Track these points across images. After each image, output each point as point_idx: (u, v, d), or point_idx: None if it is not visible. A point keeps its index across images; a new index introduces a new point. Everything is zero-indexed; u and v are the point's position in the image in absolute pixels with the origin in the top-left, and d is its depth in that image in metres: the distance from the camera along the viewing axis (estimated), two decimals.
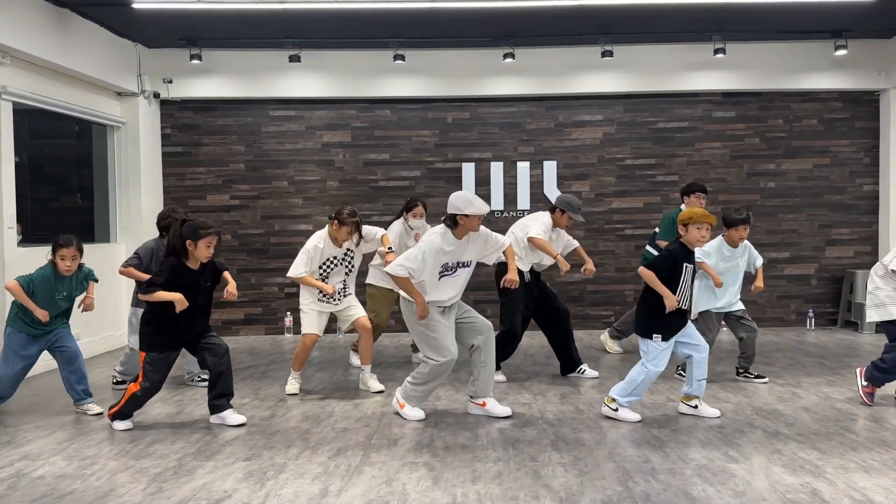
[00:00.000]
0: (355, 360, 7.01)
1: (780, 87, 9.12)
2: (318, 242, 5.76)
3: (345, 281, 5.90)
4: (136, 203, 8.69)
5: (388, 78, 9.05)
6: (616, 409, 4.97)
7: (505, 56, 8.73)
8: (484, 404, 5.13)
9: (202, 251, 4.75)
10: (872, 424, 4.79)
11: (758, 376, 6.14)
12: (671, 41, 8.92)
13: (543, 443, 4.47)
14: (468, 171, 9.21)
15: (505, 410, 5.11)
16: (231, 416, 4.97)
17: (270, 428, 4.88)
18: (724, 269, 5.93)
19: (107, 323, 7.91)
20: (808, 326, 9.05)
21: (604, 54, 8.67)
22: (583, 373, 6.41)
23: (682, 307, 4.83)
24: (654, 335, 4.82)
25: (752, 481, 3.77)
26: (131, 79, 8.60)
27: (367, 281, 6.81)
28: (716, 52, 8.68)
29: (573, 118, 9.32)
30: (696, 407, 5.06)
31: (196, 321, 4.90)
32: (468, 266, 5.07)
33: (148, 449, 4.46)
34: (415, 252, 4.89)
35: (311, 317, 5.85)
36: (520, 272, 5.90)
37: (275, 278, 9.22)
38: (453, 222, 4.89)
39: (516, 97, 9.24)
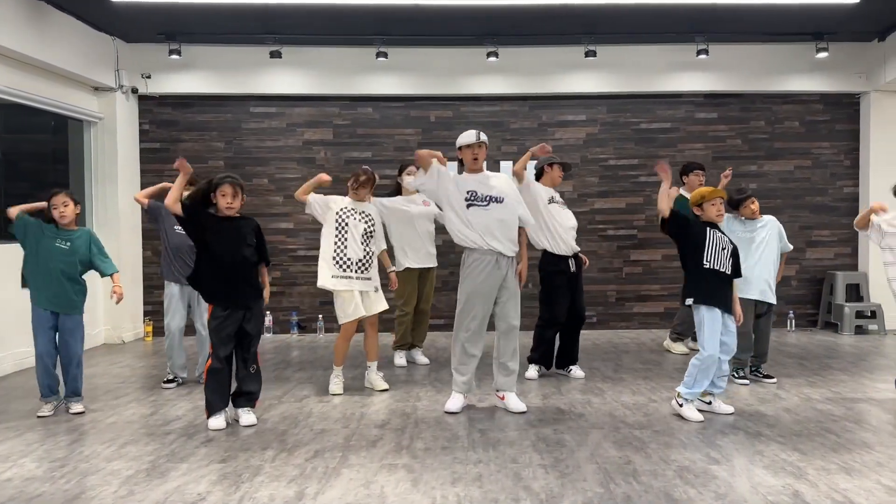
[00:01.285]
0: (422, 358, 7.01)
1: (761, 88, 9.14)
2: (338, 197, 5.78)
3: (365, 249, 5.63)
4: (113, 199, 8.55)
5: (371, 75, 8.97)
6: (681, 405, 4.99)
7: (489, 55, 8.69)
8: (503, 398, 5.21)
9: (220, 202, 4.78)
10: (853, 426, 4.78)
11: (766, 376, 6.14)
12: (654, 42, 8.92)
13: (524, 444, 4.41)
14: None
15: (518, 406, 5.11)
16: (244, 416, 4.89)
17: (247, 429, 4.79)
18: (739, 238, 5.93)
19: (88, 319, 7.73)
20: (788, 328, 9.08)
21: (587, 54, 8.65)
22: (570, 372, 6.37)
23: (716, 268, 4.89)
24: (686, 298, 4.95)
25: (734, 483, 3.74)
26: (109, 73, 8.46)
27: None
28: (698, 53, 8.70)
29: (556, 118, 9.29)
30: (709, 403, 5.07)
31: (247, 277, 4.83)
32: (500, 203, 5.02)
33: (120, 451, 4.35)
34: None
35: (340, 301, 5.62)
36: (563, 258, 6.11)
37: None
38: (460, 164, 5.31)
39: (500, 96, 9.19)
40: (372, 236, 5.71)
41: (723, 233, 5.08)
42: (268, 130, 9.20)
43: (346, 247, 5.61)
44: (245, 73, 8.93)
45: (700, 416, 4.91)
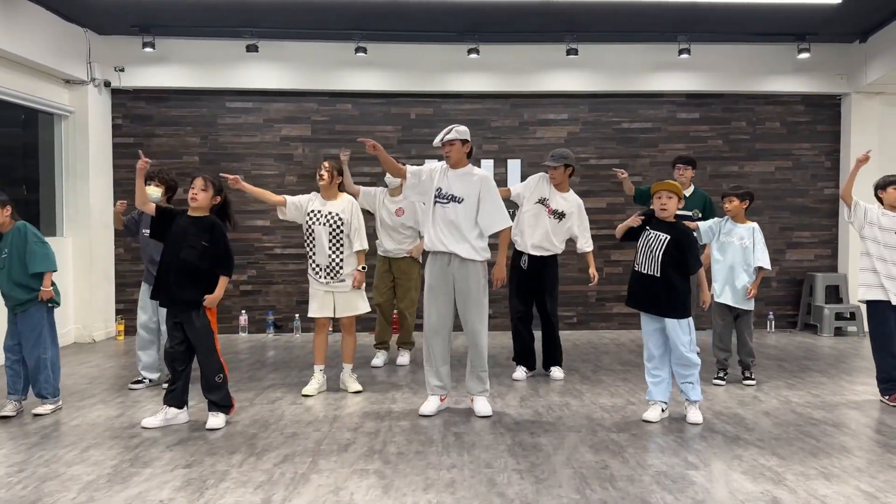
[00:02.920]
0: (402, 359, 6.90)
1: (743, 89, 9.11)
2: (311, 195, 5.68)
3: (332, 253, 5.48)
4: (85, 195, 8.35)
5: (350, 71, 8.84)
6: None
7: (469, 52, 8.58)
8: (472, 400, 5.15)
9: (192, 189, 4.73)
10: (832, 429, 4.73)
11: (747, 378, 6.08)
12: (636, 41, 8.86)
13: (500, 448, 4.32)
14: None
15: (482, 410, 5.03)
16: (209, 419, 4.77)
17: (215, 432, 4.65)
18: (723, 242, 5.99)
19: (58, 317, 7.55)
20: (768, 329, 9.06)
21: (569, 52, 8.57)
22: (550, 373, 6.32)
23: (644, 271, 4.86)
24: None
25: (712, 489, 3.66)
26: (81, 66, 8.26)
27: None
28: (680, 52, 8.65)
29: (538, 116, 9.21)
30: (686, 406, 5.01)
31: (181, 281, 4.63)
32: (459, 203, 4.97)
33: (82, 455, 4.20)
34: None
35: (312, 297, 5.60)
36: (517, 253, 6.20)
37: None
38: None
39: (481, 94, 9.09)
40: (340, 237, 5.53)
41: (667, 231, 4.83)
42: (244, 126, 9.03)
43: (314, 253, 5.56)
44: (221, 67, 8.76)
45: (652, 418, 4.86)
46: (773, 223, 9.18)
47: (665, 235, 4.81)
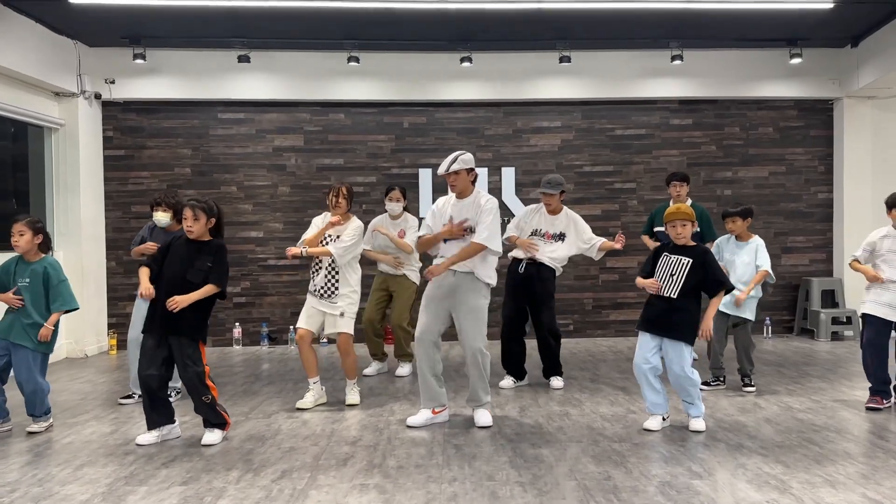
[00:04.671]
0: (402, 370, 6.84)
1: (736, 94, 9.12)
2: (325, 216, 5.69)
3: (328, 275, 5.46)
4: (75, 209, 8.26)
5: (343, 80, 8.80)
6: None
7: (462, 60, 8.56)
8: (473, 410, 5.14)
9: (185, 219, 4.68)
10: (835, 436, 4.69)
11: (746, 385, 6.05)
12: (629, 48, 8.86)
13: (501, 460, 4.25)
14: (425, 176, 8.99)
15: (481, 421, 5.00)
16: (205, 434, 4.69)
17: (211, 448, 4.57)
18: (729, 260, 5.98)
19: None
20: (764, 334, 9.04)
21: (562, 60, 8.56)
22: (549, 383, 6.27)
23: (660, 294, 4.80)
24: (638, 329, 4.93)
25: (717, 499, 3.61)
26: (71, 78, 8.19)
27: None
28: (673, 59, 8.66)
29: (531, 124, 9.19)
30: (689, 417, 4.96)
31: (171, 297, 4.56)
32: (471, 233, 4.94)
33: (76, 473, 4.12)
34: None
35: (304, 309, 5.59)
36: (514, 260, 6.23)
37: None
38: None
39: (474, 102, 9.06)
40: (337, 268, 5.53)
41: (688, 254, 4.82)
42: (236, 137, 8.97)
43: (317, 273, 5.55)
44: (212, 77, 8.71)
45: (654, 427, 4.83)
46: (767, 228, 9.17)
47: (686, 259, 4.80)
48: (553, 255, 6.15)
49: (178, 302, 4.50)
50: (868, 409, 5.35)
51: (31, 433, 4.95)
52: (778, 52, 8.89)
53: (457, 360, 7.45)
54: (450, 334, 5.37)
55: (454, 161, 4.96)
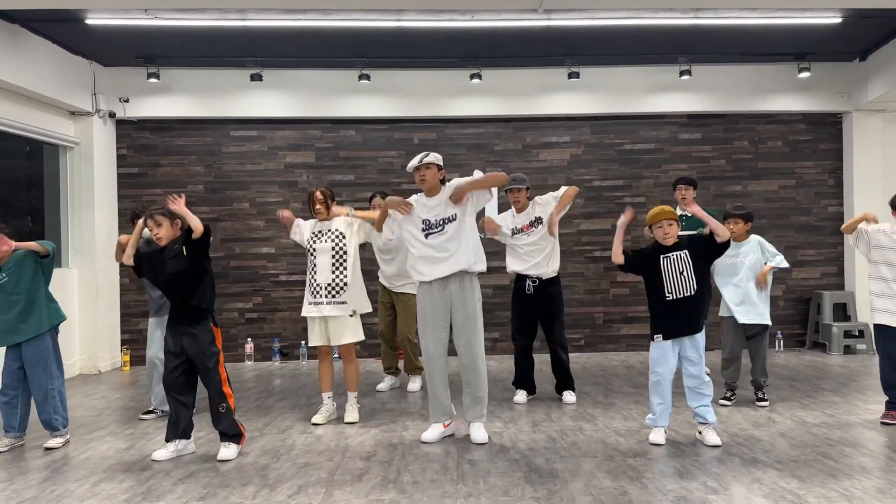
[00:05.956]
0: (413, 385, 6.83)
1: (745, 109, 9.15)
2: (312, 221, 5.68)
3: (335, 270, 5.44)
4: (90, 226, 8.35)
5: (354, 98, 8.88)
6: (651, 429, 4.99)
7: (472, 77, 8.64)
8: (468, 426, 5.11)
9: (151, 230, 4.71)
10: (850, 450, 4.68)
11: (759, 399, 6.02)
12: (637, 63, 8.92)
13: (516, 475, 4.26)
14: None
15: (479, 437, 4.97)
16: (221, 449, 4.72)
17: (227, 464, 4.60)
18: (731, 263, 5.95)
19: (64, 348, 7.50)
20: (776, 348, 9.01)
21: (570, 76, 8.63)
22: (562, 398, 6.27)
23: (677, 297, 4.79)
24: (655, 335, 4.87)
25: None
26: (86, 97, 8.30)
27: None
28: (681, 74, 8.71)
29: (540, 139, 9.24)
30: (700, 433, 4.96)
31: (175, 292, 4.68)
32: (455, 221, 4.95)
33: (94, 489, 4.15)
34: None
35: (309, 327, 5.59)
36: (519, 276, 6.19)
37: (235, 303, 8.93)
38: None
39: (483, 118, 9.13)
40: (344, 256, 5.47)
41: (680, 247, 4.86)
42: (248, 154, 9.06)
43: (315, 272, 5.50)
44: (225, 96, 8.81)
45: (660, 440, 4.84)
46: (778, 242, 9.12)
47: (682, 252, 4.85)
48: (550, 265, 6.13)
49: (177, 200, 4.58)
50: (883, 423, 5.33)
51: (48, 449, 4.99)
52: (786, 67, 8.93)
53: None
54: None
55: (426, 155, 5.02)
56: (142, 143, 8.96)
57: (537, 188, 9.08)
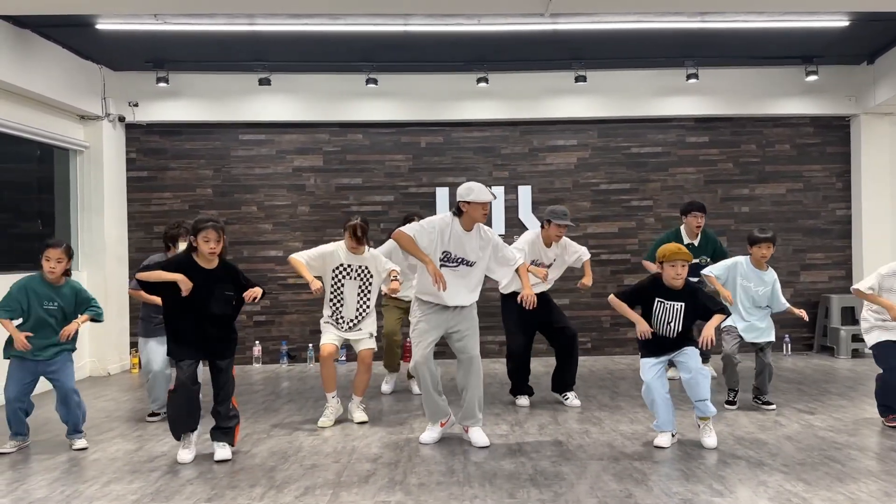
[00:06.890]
0: (415, 387, 6.83)
1: (752, 112, 9.15)
2: (334, 246, 5.72)
3: (360, 306, 5.65)
4: (99, 229, 8.41)
5: (361, 101, 8.92)
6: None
7: (479, 80, 8.67)
8: (466, 430, 5.10)
9: (202, 245, 4.66)
10: (857, 453, 4.67)
11: (765, 402, 6.01)
12: (644, 66, 8.93)
13: (522, 477, 4.28)
14: (442, 195, 9.08)
15: (480, 441, 4.97)
16: (218, 450, 4.75)
17: (234, 465, 4.63)
18: (742, 286, 5.92)
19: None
20: (784, 352, 8.99)
21: (577, 79, 8.64)
22: (566, 399, 6.25)
23: (662, 335, 4.87)
24: (642, 355, 4.98)
25: None
26: (95, 102, 8.37)
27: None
28: (688, 77, 8.71)
29: (547, 143, 9.26)
30: (700, 427, 4.97)
31: (207, 330, 4.69)
32: (470, 266, 5.00)
33: (103, 489, 4.19)
34: (418, 222, 5.05)
35: (325, 330, 5.71)
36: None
37: (243, 306, 8.95)
38: (458, 211, 4.97)
39: (490, 122, 9.16)
40: (368, 292, 5.69)
41: (679, 297, 4.87)
42: (257, 158, 9.12)
43: (342, 306, 5.66)
44: (234, 100, 8.87)
45: (665, 444, 4.86)
46: (786, 245, 9.16)
47: (679, 304, 4.87)
48: (548, 282, 6.26)
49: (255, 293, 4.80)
50: (889, 426, 5.32)
51: (80, 450, 5.07)
52: (793, 70, 8.93)
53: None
54: (447, 353, 5.39)
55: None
56: (151, 147, 9.03)
57: (543, 191, 9.16)
